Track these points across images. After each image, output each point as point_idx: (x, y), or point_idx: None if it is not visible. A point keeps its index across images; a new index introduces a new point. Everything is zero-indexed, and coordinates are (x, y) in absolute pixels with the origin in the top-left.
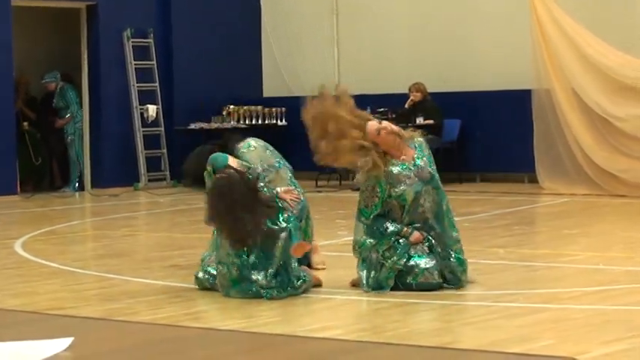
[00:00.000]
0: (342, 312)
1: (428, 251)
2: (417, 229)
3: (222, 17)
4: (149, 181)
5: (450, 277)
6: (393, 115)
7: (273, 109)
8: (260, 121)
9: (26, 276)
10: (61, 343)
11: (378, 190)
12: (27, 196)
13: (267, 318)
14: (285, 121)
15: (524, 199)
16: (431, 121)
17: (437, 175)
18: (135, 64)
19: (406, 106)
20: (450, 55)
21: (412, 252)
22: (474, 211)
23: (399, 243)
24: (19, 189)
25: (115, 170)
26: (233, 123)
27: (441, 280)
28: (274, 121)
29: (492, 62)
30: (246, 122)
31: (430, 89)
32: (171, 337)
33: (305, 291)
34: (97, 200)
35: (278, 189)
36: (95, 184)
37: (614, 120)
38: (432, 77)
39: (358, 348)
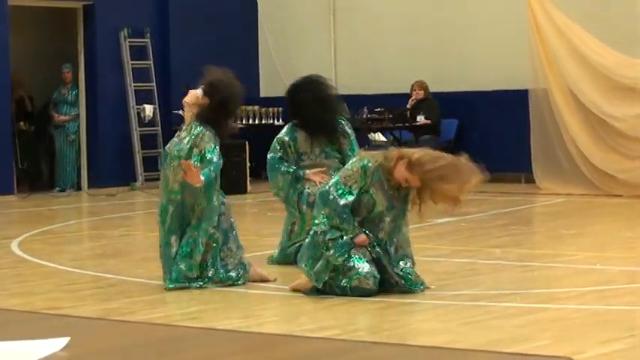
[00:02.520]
0: (339, 312)
1: (370, 258)
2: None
3: (220, 17)
4: (146, 180)
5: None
6: (390, 115)
7: (270, 109)
8: (257, 121)
9: (23, 276)
10: (58, 343)
11: (361, 178)
12: (24, 195)
13: (264, 318)
14: (282, 121)
15: (521, 199)
16: (429, 121)
17: (400, 210)
18: (132, 64)
19: (408, 105)
20: (447, 55)
21: (354, 253)
22: (471, 211)
23: (341, 238)
24: (15, 189)
25: (112, 170)
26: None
27: (375, 288)
28: (271, 121)
29: (489, 62)
30: (243, 122)
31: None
32: (169, 337)
33: (234, 283)
34: (94, 200)
35: (307, 171)
36: (92, 183)
37: (611, 120)
38: (430, 77)
39: (355, 348)
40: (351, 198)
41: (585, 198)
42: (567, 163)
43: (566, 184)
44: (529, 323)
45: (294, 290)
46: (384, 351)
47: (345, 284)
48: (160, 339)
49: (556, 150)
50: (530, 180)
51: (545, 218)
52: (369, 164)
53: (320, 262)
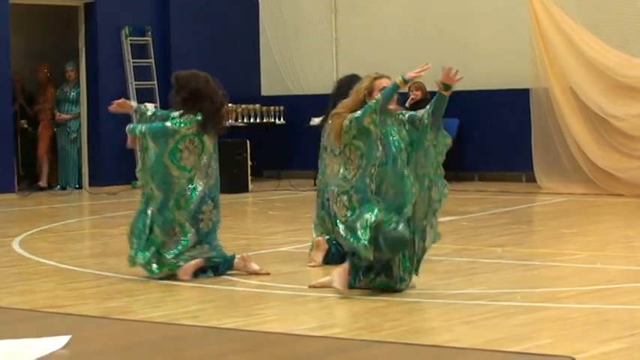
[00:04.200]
0: (339, 311)
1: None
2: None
3: (221, 15)
4: None
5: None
6: None
7: (272, 108)
8: (258, 120)
9: (24, 274)
10: (59, 341)
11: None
12: (24, 194)
13: (265, 316)
14: (284, 119)
15: (522, 198)
16: None
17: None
18: (133, 62)
19: (407, 104)
20: (448, 54)
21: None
22: (472, 210)
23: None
24: (16, 187)
25: (113, 168)
26: (231, 121)
27: (406, 232)
28: (272, 120)
29: (490, 61)
30: (244, 121)
31: (428, 88)
32: (169, 336)
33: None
34: (95, 198)
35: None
36: (93, 182)
37: (612, 119)
38: (431, 76)
39: (356, 347)
40: (359, 173)
41: (586, 197)
42: (568, 162)
43: (567, 183)
44: (530, 322)
45: (311, 287)
46: (384, 350)
47: (375, 234)
48: (160, 337)
49: (557, 149)
50: (531, 179)
51: (546, 217)
52: (346, 125)
53: (357, 227)
